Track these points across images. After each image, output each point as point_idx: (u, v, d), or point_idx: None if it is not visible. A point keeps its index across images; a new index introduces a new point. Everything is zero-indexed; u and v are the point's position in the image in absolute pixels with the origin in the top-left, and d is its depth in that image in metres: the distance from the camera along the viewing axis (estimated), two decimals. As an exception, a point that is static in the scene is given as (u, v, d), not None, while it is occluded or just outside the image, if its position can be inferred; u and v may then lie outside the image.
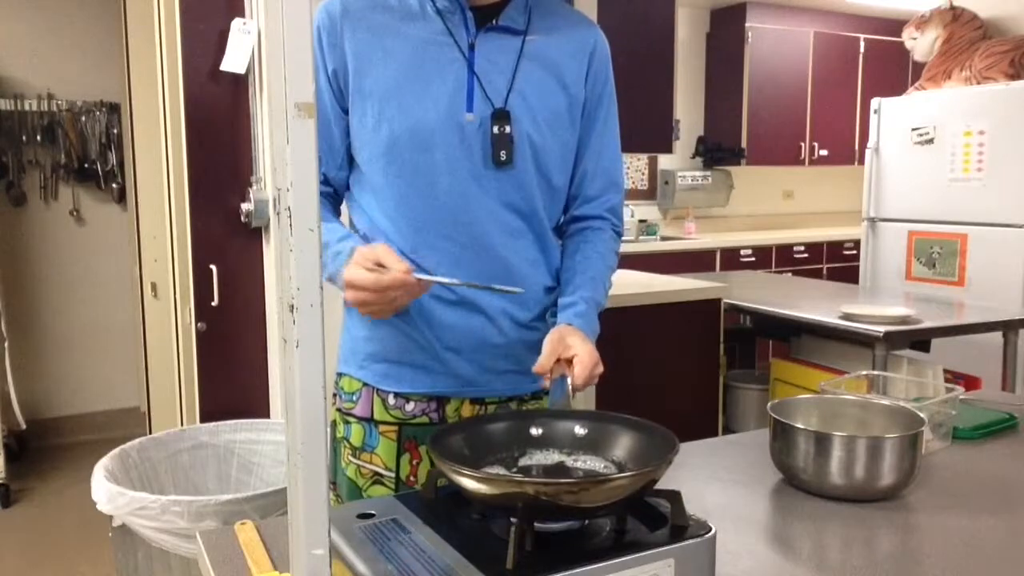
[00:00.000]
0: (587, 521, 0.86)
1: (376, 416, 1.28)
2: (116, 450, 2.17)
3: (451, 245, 1.21)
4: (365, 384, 1.29)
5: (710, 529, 0.83)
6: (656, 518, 0.86)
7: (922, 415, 1.20)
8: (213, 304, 2.64)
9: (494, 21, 1.22)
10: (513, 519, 0.79)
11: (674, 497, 0.85)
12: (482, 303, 1.24)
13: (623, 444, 0.98)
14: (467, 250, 1.22)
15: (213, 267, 2.63)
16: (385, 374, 1.28)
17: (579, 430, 1.01)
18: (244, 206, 2.63)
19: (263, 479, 2.43)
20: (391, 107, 1.19)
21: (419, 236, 1.22)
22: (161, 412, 3.31)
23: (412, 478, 1.27)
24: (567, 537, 0.84)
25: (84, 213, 4.37)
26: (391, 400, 1.27)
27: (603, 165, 1.33)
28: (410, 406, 1.27)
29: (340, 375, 1.34)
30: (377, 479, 1.27)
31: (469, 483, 0.83)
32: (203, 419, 2.63)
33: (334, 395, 1.34)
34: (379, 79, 1.19)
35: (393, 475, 1.27)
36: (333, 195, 1.31)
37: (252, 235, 2.69)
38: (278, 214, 0.66)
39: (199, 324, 2.64)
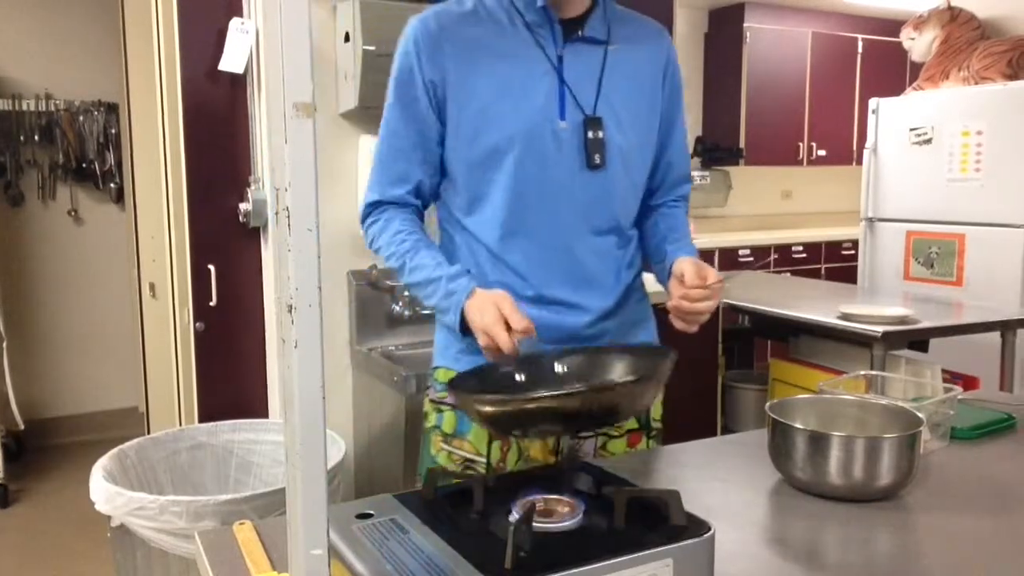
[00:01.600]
0: (585, 521, 0.86)
1: None
2: (114, 450, 2.16)
3: (539, 245, 1.30)
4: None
5: (709, 529, 0.83)
6: (655, 518, 0.86)
7: (920, 415, 1.20)
8: (211, 304, 2.64)
9: (579, 32, 1.30)
10: (511, 519, 0.79)
11: (673, 497, 0.85)
12: (567, 299, 1.31)
13: (628, 363, 1.12)
14: (554, 250, 1.30)
15: (211, 267, 2.63)
16: (479, 364, 1.33)
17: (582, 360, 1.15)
18: (242, 206, 2.63)
19: (262, 479, 2.43)
20: (488, 117, 1.27)
21: (510, 239, 1.30)
22: (159, 412, 3.30)
23: (502, 464, 1.33)
24: (565, 537, 0.84)
25: (82, 213, 4.37)
26: None
27: (679, 160, 1.46)
28: None
29: (435, 368, 1.41)
30: (468, 464, 1.34)
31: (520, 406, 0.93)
32: (201, 419, 2.63)
33: (427, 387, 1.43)
34: (477, 91, 1.27)
35: (484, 460, 1.33)
36: (420, 208, 1.38)
37: (250, 235, 2.69)
38: (276, 214, 0.66)
39: (197, 324, 2.64)
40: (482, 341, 1.18)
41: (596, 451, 1.38)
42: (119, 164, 4.29)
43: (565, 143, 1.27)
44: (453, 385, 1.06)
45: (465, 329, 1.23)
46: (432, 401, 1.39)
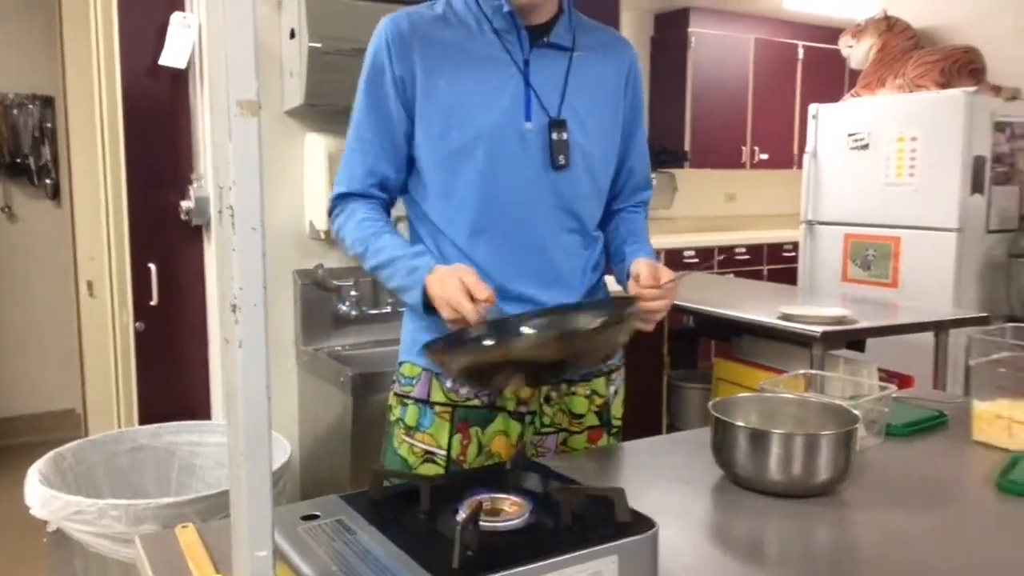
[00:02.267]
0: (532, 519, 0.87)
1: (432, 398, 1.38)
2: (51, 453, 2.11)
3: (505, 243, 1.33)
4: (425, 369, 1.39)
5: (653, 525, 0.84)
6: (600, 515, 0.87)
7: (856, 413, 1.23)
8: (152, 303, 2.59)
9: (545, 39, 1.35)
10: (458, 519, 0.79)
11: (618, 494, 0.86)
12: (532, 296, 1.34)
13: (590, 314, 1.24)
14: (520, 247, 1.34)
15: (152, 266, 2.58)
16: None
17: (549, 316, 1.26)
18: (184, 203, 2.58)
19: (205, 481, 2.38)
20: (457, 116, 1.31)
21: (477, 236, 1.33)
22: (98, 414, 3.22)
23: (462, 457, 1.37)
24: (512, 536, 0.85)
25: (16, 210, 4.23)
26: (448, 384, 1.38)
27: (640, 166, 1.51)
28: (464, 389, 1.37)
29: (401, 363, 1.44)
30: (428, 457, 1.37)
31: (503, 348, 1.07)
32: (142, 421, 2.57)
33: (392, 381, 1.45)
34: (447, 90, 1.31)
35: (444, 453, 1.37)
36: (387, 202, 1.42)
37: (193, 233, 2.64)
38: (220, 213, 0.65)
39: (137, 324, 2.58)
40: (446, 313, 1.21)
41: (557, 447, 1.42)
42: (55, 159, 4.17)
43: (530, 143, 1.32)
44: (428, 347, 1.11)
45: (428, 306, 1.26)
46: (396, 395, 1.42)
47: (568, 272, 1.38)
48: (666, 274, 1.29)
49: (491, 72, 1.32)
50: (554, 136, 1.32)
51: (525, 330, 1.23)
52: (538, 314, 1.29)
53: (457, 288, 1.19)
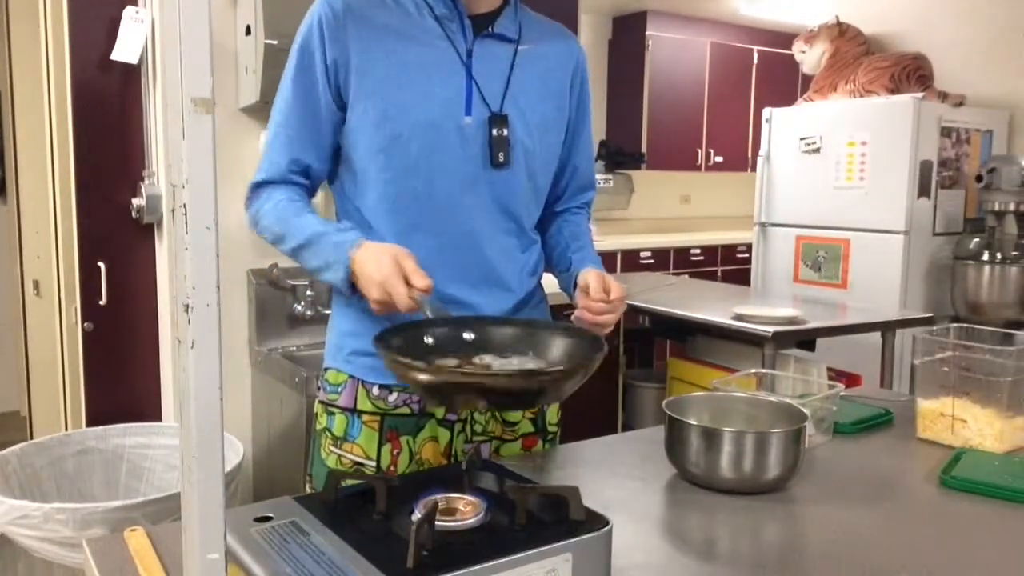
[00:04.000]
0: (487, 518, 0.87)
1: (359, 406, 1.31)
2: (-6, 457, 2.06)
3: (439, 241, 1.27)
4: (351, 376, 1.32)
5: (607, 523, 0.85)
6: (555, 514, 0.87)
7: (805, 411, 1.26)
8: (101, 303, 2.54)
9: (490, 29, 1.28)
10: (414, 519, 0.79)
11: (572, 493, 0.87)
12: (465, 299, 1.29)
13: (556, 345, 1.14)
14: (453, 246, 1.28)
15: (101, 264, 2.53)
16: (371, 367, 1.30)
17: (511, 333, 1.17)
18: (135, 201, 2.54)
19: (154, 485, 2.34)
20: (393, 106, 1.23)
21: (409, 233, 1.26)
22: (43, 416, 3.15)
23: (392, 468, 1.31)
24: (467, 535, 0.85)
25: (-42, 206, 4.11)
26: (375, 391, 1.31)
27: (584, 167, 1.46)
28: (392, 396, 1.31)
29: (326, 369, 1.37)
30: (358, 468, 1.31)
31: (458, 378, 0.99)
32: (89, 423, 2.52)
33: (318, 388, 1.38)
34: (382, 77, 1.23)
35: (374, 464, 1.31)
36: (310, 189, 1.32)
37: (144, 231, 2.59)
38: (173, 211, 0.64)
39: (85, 324, 2.53)
40: (374, 294, 1.13)
41: (491, 455, 1.37)
42: (0, 155, 4.05)
43: (469, 139, 1.25)
44: (381, 342, 1.04)
45: (354, 286, 1.17)
46: (322, 403, 1.36)
47: (505, 275, 1.33)
48: (615, 289, 1.25)
49: (431, 61, 1.24)
50: (494, 132, 1.26)
51: (503, 366, 1.12)
52: (503, 322, 1.21)
53: (393, 270, 1.11)
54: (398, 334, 1.11)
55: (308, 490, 1.37)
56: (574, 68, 1.38)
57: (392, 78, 1.23)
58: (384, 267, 1.12)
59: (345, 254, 1.17)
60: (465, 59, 1.26)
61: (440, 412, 1.33)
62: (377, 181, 1.26)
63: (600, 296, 1.24)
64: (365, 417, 1.31)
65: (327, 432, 1.34)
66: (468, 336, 1.15)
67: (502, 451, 1.38)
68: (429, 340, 1.13)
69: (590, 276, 1.28)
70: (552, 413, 1.44)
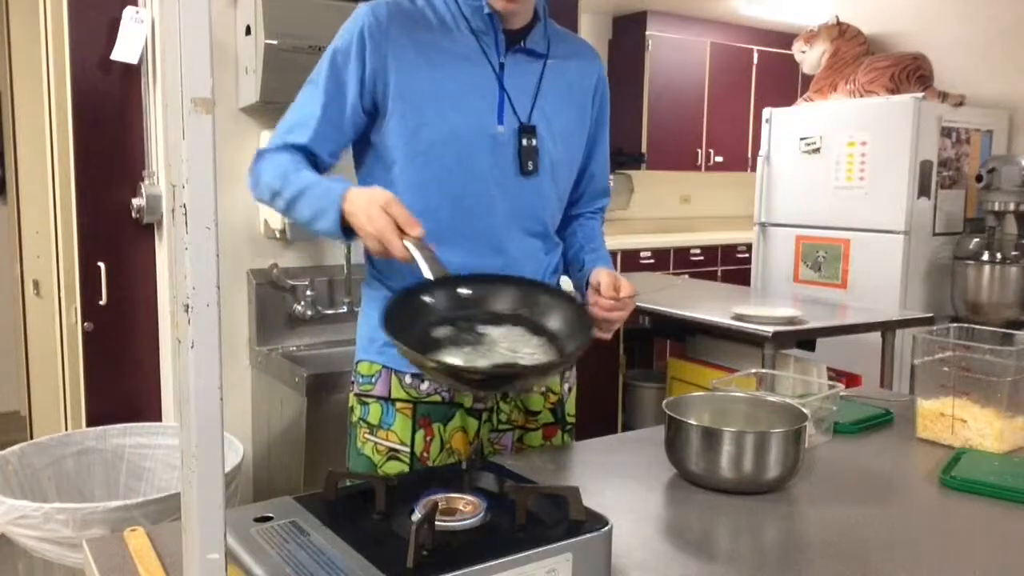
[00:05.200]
0: (487, 518, 0.87)
1: (393, 395, 1.38)
2: (-6, 457, 2.06)
3: (470, 245, 1.33)
4: (384, 367, 1.38)
5: (606, 523, 0.85)
6: (555, 514, 0.87)
7: (806, 411, 1.26)
8: (101, 303, 2.54)
9: (522, 43, 1.35)
10: (414, 519, 0.79)
11: (572, 493, 0.87)
12: None
13: (553, 316, 1.19)
14: (483, 249, 1.34)
15: (101, 264, 2.53)
16: (402, 357, 1.30)
17: (509, 295, 1.21)
18: (135, 201, 2.54)
19: (154, 485, 2.34)
20: (432, 112, 1.29)
21: (440, 235, 1.28)
22: (44, 416, 3.15)
23: (425, 454, 1.37)
24: (467, 535, 0.85)
25: (-42, 206, 4.11)
26: (407, 380, 1.37)
27: (600, 173, 1.53)
28: (424, 385, 1.37)
29: (359, 362, 1.42)
30: (393, 455, 1.37)
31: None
32: (90, 423, 2.52)
33: (351, 382, 1.44)
34: (422, 85, 1.29)
35: (408, 450, 1.37)
36: (313, 166, 1.33)
37: (144, 231, 2.59)
38: (173, 211, 0.64)
39: (86, 324, 2.53)
40: (371, 245, 1.15)
41: (513, 444, 1.44)
42: (0, 155, 4.05)
43: (501, 147, 1.32)
44: (390, 327, 1.07)
45: (346, 230, 1.20)
46: (357, 395, 1.41)
47: (529, 275, 1.36)
48: (625, 287, 1.30)
49: (467, 72, 1.31)
50: (524, 142, 1.33)
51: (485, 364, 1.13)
52: (501, 280, 1.23)
53: (385, 222, 1.12)
54: (402, 308, 1.13)
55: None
56: (596, 82, 1.45)
57: (431, 89, 1.29)
58: (376, 219, 1.13)
59: (335, 200, 1.18)
60: (498, 71, 1.33)
61: (468, 401, 1.39)
62: (412, 184, 1.32)
63: (611, 293, 1.30)
64: (399, 405, 1.37)
65: (362, 422, 1.40)
66: (465, 292, 1.19)
67: (525, 440, 1.45)
68: (427, 299, 1.16)
69: (602, 274, 1.34)
70: (571, 404, 1.51)
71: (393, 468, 1.36)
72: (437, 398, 1.37)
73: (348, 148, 1.39)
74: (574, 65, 1.42)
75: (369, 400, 1.39)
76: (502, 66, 1.34)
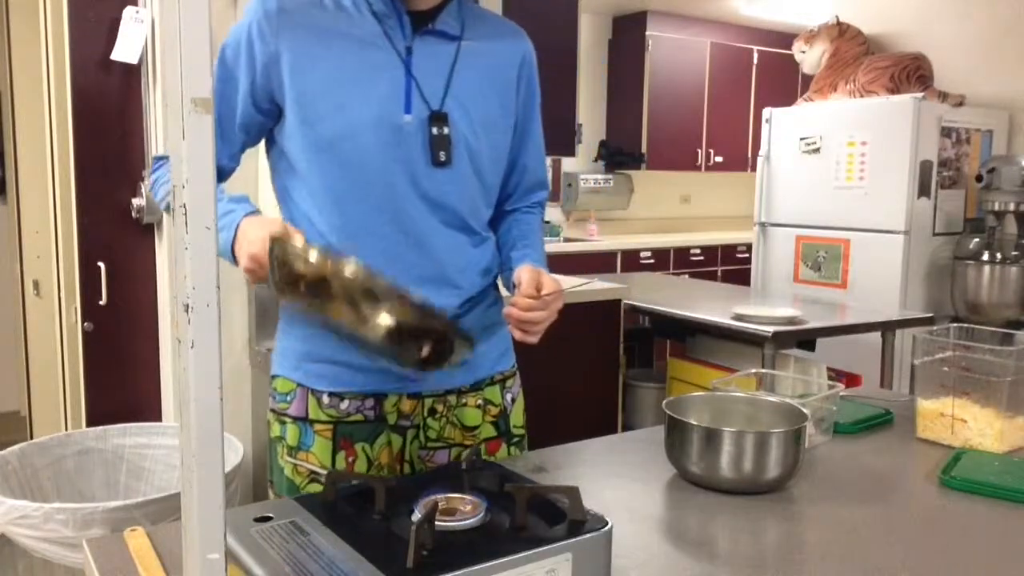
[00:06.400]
0: (487, 518, 0.87)
1: (311, 416, 1.28)
2: (-7, 457, 2.06)
3: (386, 242, 1.23)
4: (299, 384, 1.30)
5: (606, 523, 0.85)
6: (555, 514, 0.87)
7: (806, 411, 1.26)
8: (101, 303, 2.54)
9: (430, 25, 1.25)
10: (413, 519, 0.79)
11: (572, 493, 0.87)
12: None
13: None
14: (401, 247, 1.24)
15: (101, 264, 2.53)
16: (319, 374, 1.28)
17: None
18: (135, 201, 2.54)
19: (154, 485, 2.34)
20: (329, 105, 1.20)
21: (354, 233, 1.23)
22: (43, 416, 3.15)
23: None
24: (467, 535, 0.85)
25: (-42, 206, 4.11)
26: (325, 399, 1.28)
27: (534, 165, 1.42)
28: (344, 404, 1.28)
29: (274, 377, 1.34)
30: (314, 477, 1.28)
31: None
32: (90, 423, 2.52)
33: (270, 396, 1.35)
34: (317, 77, 1.20)
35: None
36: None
37: (144, 231, 2.59)
38: (173, 211, 0.65)
39: (86, 324, 2.53)
40: (244, 263, 1.11)
41: (450, 462, 1.34)
42: (0, 155, 4.05)
43: (409, 137, 1.22)
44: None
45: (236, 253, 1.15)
46: (273, 411, 1.33)
47: (452, 273, 1.28)
48: (548, 284, 1.21)
49: (368, 58, 1.21)
50: (434, 131, 1.22)
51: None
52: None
53: (263, 244, 1.07)
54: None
55: (272, 497, 1.35)
56: (520, 64, 1.34)
57: (329, 77, 1.20)
58: (256, 245, 1.09)
59: (231, 223, 1.14)
60: (404, 56, 1.23)
61: (392, 418, 1.30)
62: (317, 181, 1.23)
63: (530, 292, 1.20)
64: (318, 427, 1.28)
65: (281, 441, 1.31)
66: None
67: (463, 457, 1.32)
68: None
69: (524, 272, 1.24)
70: (516, 415, 1.41)
71: (315, 490, 1.25)
72: (359, 417, 1.28)
73: (253, 149, 1.31)
74: (495, 47, 1.30)
75: (286, 419, 1.30)
76: (409, 50, 1.23)
